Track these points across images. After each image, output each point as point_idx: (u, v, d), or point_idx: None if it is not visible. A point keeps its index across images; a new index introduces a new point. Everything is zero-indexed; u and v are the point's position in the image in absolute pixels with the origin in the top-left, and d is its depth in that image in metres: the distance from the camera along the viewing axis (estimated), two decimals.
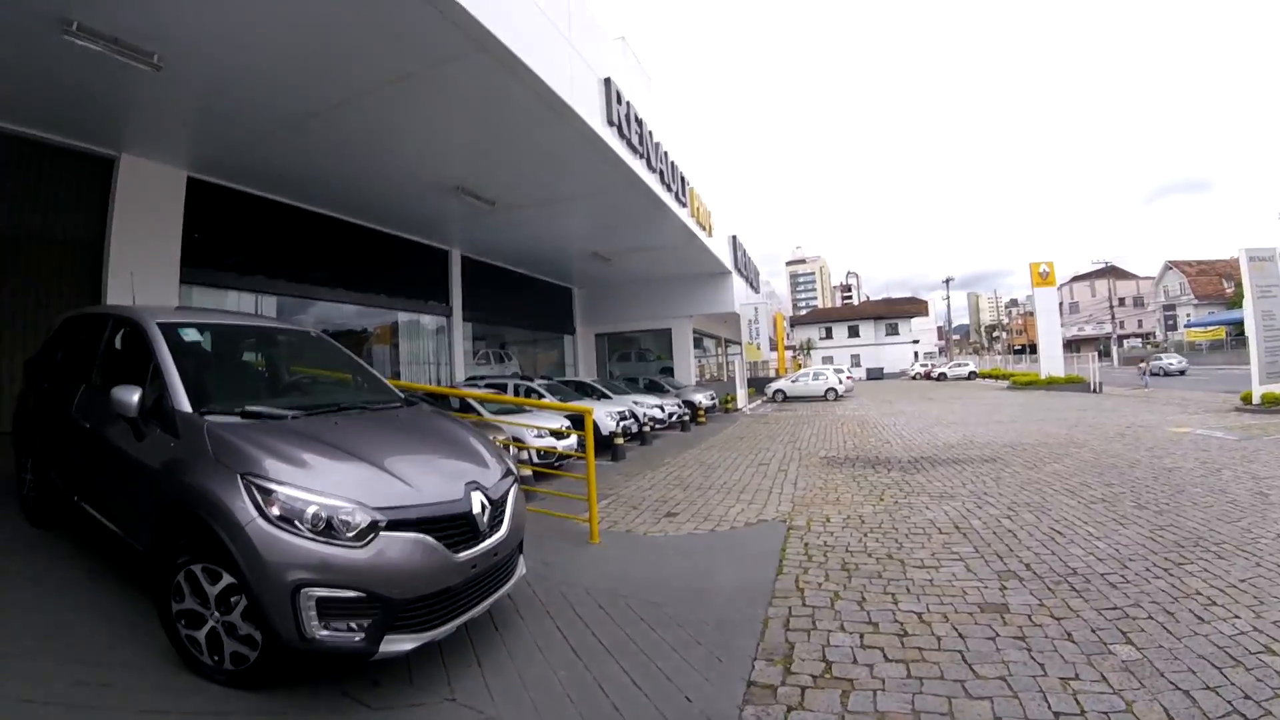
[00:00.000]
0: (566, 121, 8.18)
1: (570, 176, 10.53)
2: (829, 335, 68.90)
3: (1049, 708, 2.73)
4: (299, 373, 4.73)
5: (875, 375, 60.93)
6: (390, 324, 14.56)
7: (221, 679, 2.86)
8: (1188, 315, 59.43)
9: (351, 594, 2.64)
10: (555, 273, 20.25)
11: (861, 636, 3.48)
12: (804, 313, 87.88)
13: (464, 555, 2.99)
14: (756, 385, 31.59)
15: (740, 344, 25.91)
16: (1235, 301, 48.06)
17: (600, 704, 2.80)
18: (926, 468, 8.89)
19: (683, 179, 13.89)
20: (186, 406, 3.20)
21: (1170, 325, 61.53)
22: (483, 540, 3.12)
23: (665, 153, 12.36)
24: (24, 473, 5.04)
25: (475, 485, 3.22)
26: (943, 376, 48.11)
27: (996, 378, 42.70)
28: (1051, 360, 28.87)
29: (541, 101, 7.53)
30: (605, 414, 12.19)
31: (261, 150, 8.68)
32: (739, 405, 24.31)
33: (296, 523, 2.68)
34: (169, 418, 3.20)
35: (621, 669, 3.09)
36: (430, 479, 3.14)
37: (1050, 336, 29.71)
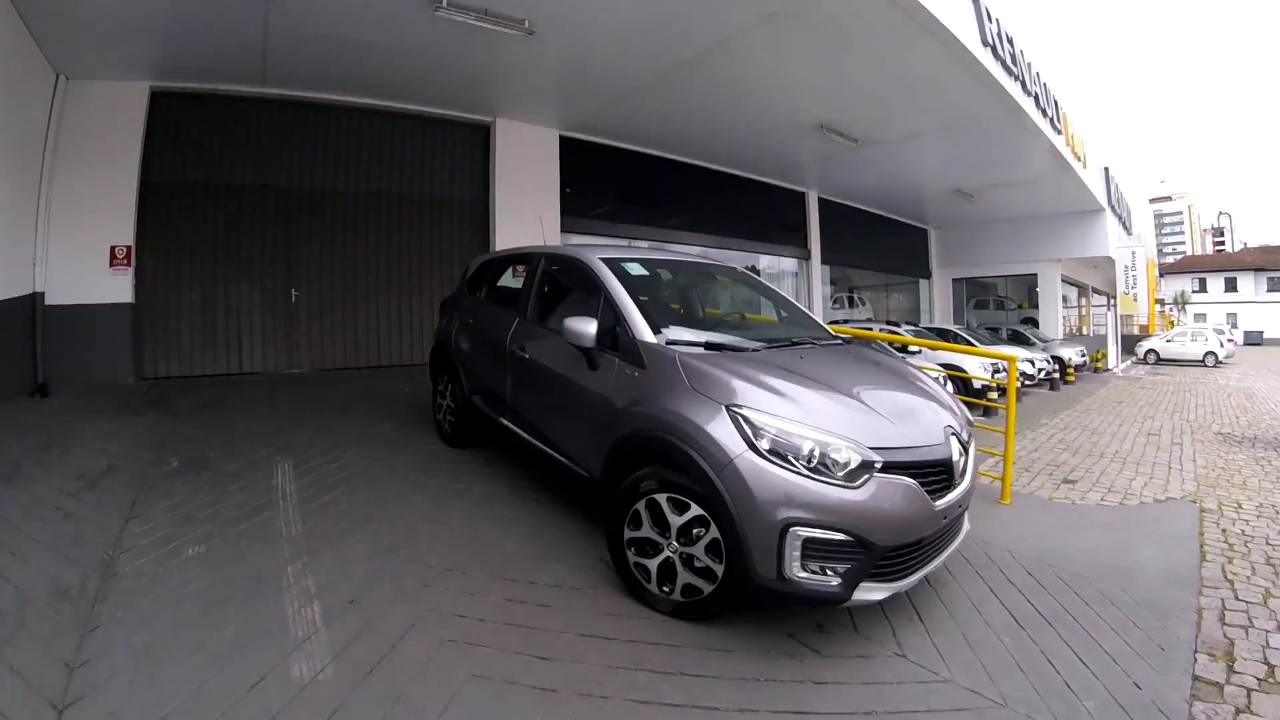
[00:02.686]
0: (941, 43, 7.58)
1: (940, 106, 9.78)
2: (1202, 288, 56.67)
3: None
4: (731, 307, 4.85)
5: (1253, 340, 47.74)
6: (748, 267, 14.93)
7: (666, 609, 2.88)
8: None
9: (839, 536, 2.53)
10: (911, 213, 19.22)
11: None
12: (1170, 260, 73.47)
13: (940, 504, 2.81)
14: (1122, 343, 27.47)
15: (1108, 294, 22.48)
16: None
17: (1051, 678, 2.69)
18: None
19: (1056, 103, 12.21)
20: (650, 337, 3.22)
21: None
22: (955, 489, 2.91)
23: (1038, 74, 10.93)
24: (440, 398, 5.36)
25: (952, 430, 3.02)
26: None
27: None
28: None
29: (915, 23, 7.04)
30: (978, 365, 11.39)
31: (628, 105, 9.34)
32: (1109, 365, 21.32)
33: (790, 458, 2.57)
34: (630, 349, 3.23)
35: (1064, 642, 2.96)
36: (910, 420, 2.96)
37: None
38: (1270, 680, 2.79)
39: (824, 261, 16.17)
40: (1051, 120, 11.79)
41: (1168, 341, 26.04)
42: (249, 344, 8.24)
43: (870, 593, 2.65)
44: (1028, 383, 13.77)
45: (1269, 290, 53.06)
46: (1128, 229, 22.55)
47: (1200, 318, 49.13)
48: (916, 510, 2.70)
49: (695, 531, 2.77)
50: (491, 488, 4.37)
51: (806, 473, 2.55)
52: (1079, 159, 14.59)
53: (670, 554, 2.86)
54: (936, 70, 8.34)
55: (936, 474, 2.84)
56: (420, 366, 8.10)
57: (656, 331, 3.28)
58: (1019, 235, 19.53)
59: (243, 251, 8.22)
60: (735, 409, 2.70)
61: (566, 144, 10.52)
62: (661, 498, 2.85)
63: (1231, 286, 54.99)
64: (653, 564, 2.92)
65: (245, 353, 8.21)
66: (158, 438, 5.13)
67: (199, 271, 7.99)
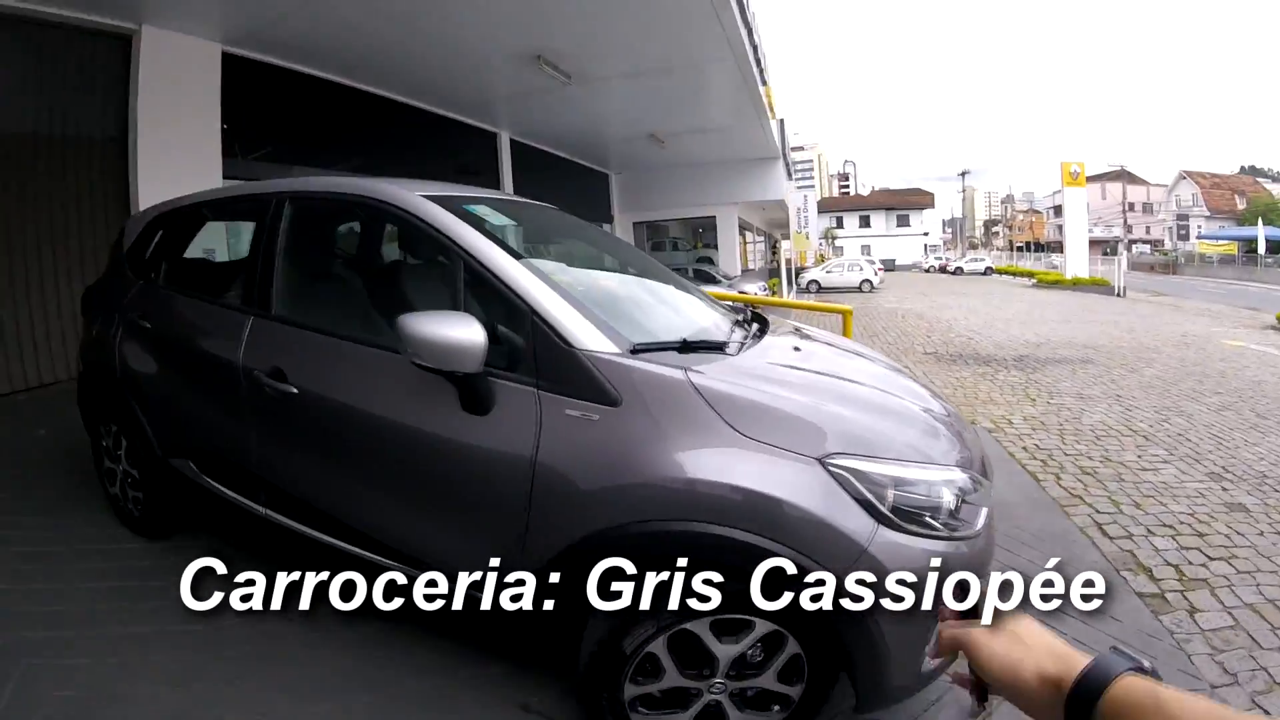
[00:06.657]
0: None
1: (673, 43, 9.36)
2: (839, 225, 68.03)
3: None
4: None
5: (888, 267, 58.94)
6: None
7: None
8: (1199, 227, 58.50)
9: None
10: (595, 157, 19.05)
11: (1173, 538, 3.59)
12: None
13: None
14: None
15: (767, 234, 25.20)
16: (1247, 218, 48.19)
17: None
18: (1037, 366, 8.86)
19: (764, 54, 13.08)
20: (609, 345, 1.87)
21: (1182, 235, 60.52)
22: None
23: (759, 25, 11.53)
24: (110, 459, 3.25)
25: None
26: (959, 271, 49.37)
27: (1014, 274, 41.93)
28: (1078, 261, 29.09)
29: None
30: None
31: (318, 6, 7.17)
32: (783, 295, 24.23)
33: (928, 517, 1.71)
34: (571, 369, 1.83)
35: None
36: (943, 423, 2.16)
37: (1078, 237, 30.00)
38: (1183, 578, 3.12)
39: None
40: (761, 71, 12.54)
41: (828, 272, 30.82)
42: None
43: None
44: None
45: (898, 226, 65.55)
46: (790, 175, 25.69)
47: (839, 250, 58.90)
48: None
49: (750, 654, 1.77)
50: (263, 622, 1.69)
51: (946, 534, 1.75)
52: (771, 110, 15.90)
53: (716, 696, 1.81)
54: (683, 4, 8.04)
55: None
56: (52, 387, 6.03)
57: (606, 330, 1.93)
58: (700, 180, 20.67)
59: None
60: (836, 462, 1.69)
61: (231, 63, 7.79)
62: (700, 625, 1.73)
63: (865, 223, 67.39)
64: (685, 718, 1.85)
65: None
66: None
67: None
